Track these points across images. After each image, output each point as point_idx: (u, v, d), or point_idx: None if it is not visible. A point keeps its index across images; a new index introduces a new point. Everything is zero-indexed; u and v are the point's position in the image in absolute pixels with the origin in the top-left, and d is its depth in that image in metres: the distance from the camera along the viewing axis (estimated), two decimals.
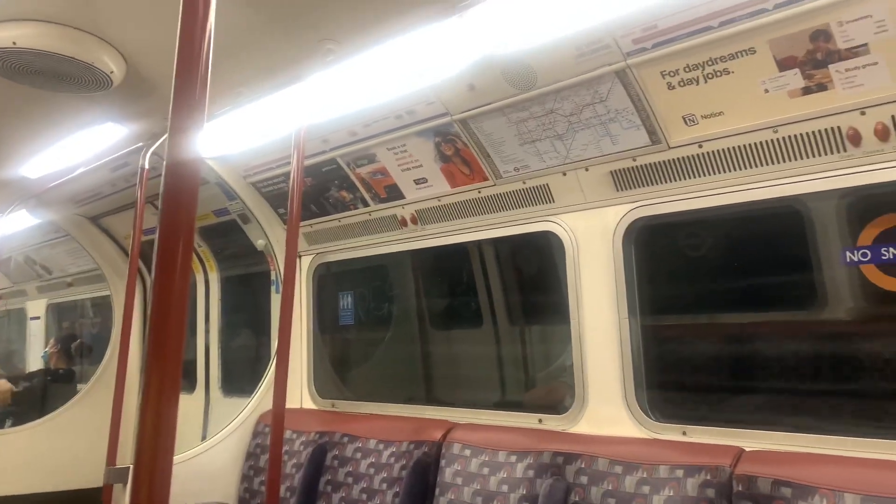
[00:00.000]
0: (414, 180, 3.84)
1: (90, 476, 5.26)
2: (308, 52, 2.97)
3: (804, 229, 3.10)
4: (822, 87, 2.42)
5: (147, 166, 3.90)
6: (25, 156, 4.67)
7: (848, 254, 2.85)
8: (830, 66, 2.36)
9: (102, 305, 7.54)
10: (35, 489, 5.44)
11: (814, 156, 2.57)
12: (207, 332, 5.99)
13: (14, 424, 5.92)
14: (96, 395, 5.85)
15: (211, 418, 5.82)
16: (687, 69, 2.62)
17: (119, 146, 4.32)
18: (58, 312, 8.49)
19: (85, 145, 4.35)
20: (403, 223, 4.09)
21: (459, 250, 4.81)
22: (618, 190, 3.16)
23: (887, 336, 3.13)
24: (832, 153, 2.52)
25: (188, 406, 5.82)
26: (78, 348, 7.13)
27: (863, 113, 2.39)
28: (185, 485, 4.11)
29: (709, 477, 2.61)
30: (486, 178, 3.54)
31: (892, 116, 2.34)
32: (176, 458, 1.22)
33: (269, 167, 4.43)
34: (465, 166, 3.57)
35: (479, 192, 3.63)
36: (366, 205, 4.20)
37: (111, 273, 6.49)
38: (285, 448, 4.12)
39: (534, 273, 4.83)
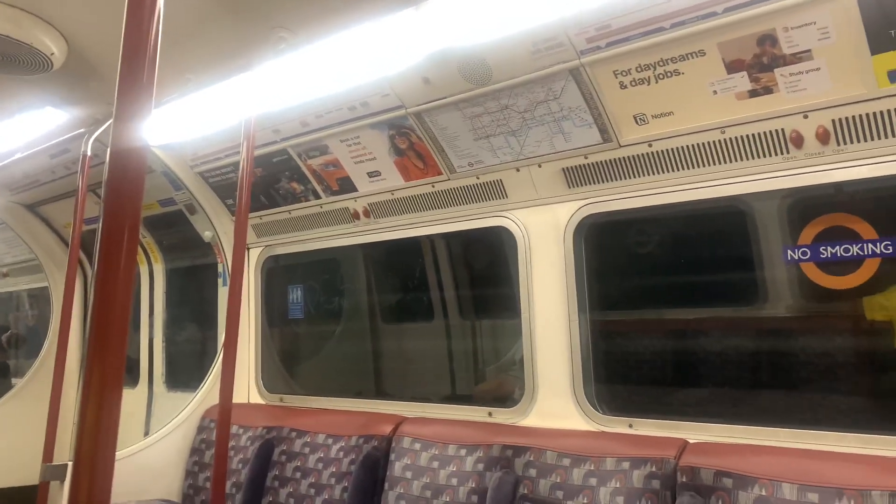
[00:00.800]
0: (367, 173, 3.81)
1: (25, 473, 5.06)
2: (259, 40, 2.91)
3: (748, 228, 3.20)
4: (767, 91, 2.49)
5: (90, 153, 3.77)
6: None
7: (789, 252, 2.95)
8: (776, 70, 2.43)
9: (39, 297, 7.27)
10: None
11: (759, 157, 2.64)
12: (151, 325, 5.84)
13: None
14: (32, 389, 5.64)
15: (154, 413, 5.67)
16: (639, 69, 2.66)
17: (59, 132, 4.17)
18: None
19: (23, 130, 4.17)
20: (356, 216, 4.06)
21: (412, 244, 4.80)
22: (569, 187, 3.19)
23: (824, 332, 3.26)
24: (776, 154, 2.60)
25: (130, 401, 5.66)
26: (10, 339, 6.86)
27: (805, 116, 2.47)
28: (128, 481, 4.00)
29: (654, 469, 2.67)
30: (440, 173, 3.54)
31: (833, 121, 2.43)
32: (118, 454, 1.18)
33: (218, 157, 4.33)
34: (419, 160, 3.55)
35: (433, 186, 3.62)
36: (317, 197, 4.15)
37: (49, 263, 6.26)
38: (231, 443, 4.05)
39: (485, 268, 4.86)
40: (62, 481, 3.56)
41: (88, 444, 1.11)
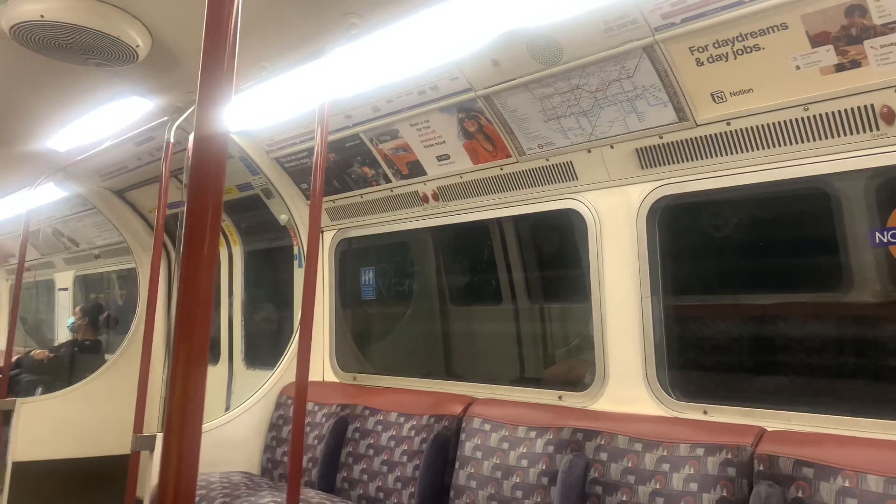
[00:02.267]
0: (436, 157, 3.83)
1: (117, 443, 5.40)
2: (332, 27, 2.96)
3: (832, 210, 3.05)
4: (855, 64, 2.36)
5: (172, 140, 3.93)
6: (53, 129, 4.73)
7: (877, 235, 2.81)
8: (865, 42, 2.30)
9: (128, 278, 7.66)
10: (65, 455, 5.59)
11: (845, 134, 2.52)
12: (231, 305, 6.07)
13: (44, 392, 6.08)
14: (122, 365, 5.98)
15: (234, 390, 5.91)
16: (716, 45, 2.57)
17: (144, 120, 4.36)
18: (85, 284, 8.64)
19: (111, 119, 4.39)
20: (425, 199, 4.09)
21: (480, 227, 4.80)
22: (643, 168, 3.12)
23: None
24: (864, 132, 2.47)
25: (212, 378, 5.91)
26: (105, 321, 7.27)
27: None
28: (210, 453, 4.20)
29: (729, 456, 2.61)
30: (509, 155, 3.52)
31: None
32: (203, 427, 1.25)
33: (293, 142, 4.44)
34: (488, 143, 3.55)
35: (502, 169, 3.61)
36: (388, 181, 4.20)
37: (136, 246, 6.59)
38: (307, 420, 4.19)
39: (554, 251, 4.81)
40: (151, 451, 3.76)
41: (177, 416, 1.17)
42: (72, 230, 7.81)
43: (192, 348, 1.20)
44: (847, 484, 2.29)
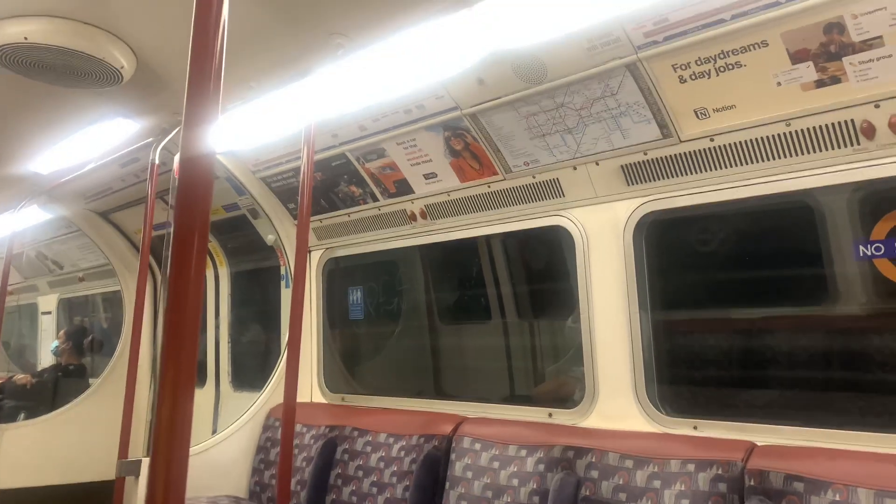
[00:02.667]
0: (423, 175, 3.84)
1: (101, 469, 5.31)
2: (318, 47, 2.97)
3: (816, 224, 3.08)
4: (835, 80, 2.40)
5: (157, 161, 3.91)
6: (36, 151, 4.69)
7: (861, 248, 2.84)
8: (844, 59, 2.34)
9: (113, 300, 7.58)
10: (48, 482, 5.49)
11: (827, 149, 2.55)
12: (217, 326, 6.02)
13: (27, 418, 5.98)
14: (107, 389, 5.90)
15: (221, 412, 5.84)
16: (699, 62, 2.60)
17: (129, 142, 4.34)
18: (69, 307, 8.54)
19: (95, 141, 4.37)
20: (413, 218, 4.09)
21: (468, 245, 4.80)
22: (628, 184, 3.15)
23: None
24: (846, 146, 2.50)
25: (199, 400, 5.84)
26: (90, 344, 7.19)
27: (877, 106, 2.37)
28: (197, 478, 4.13)
29: (720, 471, 2.61)
30: (495, 173, 3.54)
31: None
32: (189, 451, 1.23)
33: (279, 162, 4.44)
34: (475, 161, 3.56)
35: (489, 186, 3.62)
36: (375, 199, 4.20)
37: (122, 268, 6.53)
38: (296, 442, 4.14)
39: (543, 268, 4.82)
40: (136, 476, 3.70)
41: (165, 440, 1.16)
42: (56, 253, 7.74)
43: (180, 371, 1.19)
44: (838, 497, 2.29)
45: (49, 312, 8.66)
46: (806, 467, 2.42)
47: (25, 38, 2.95)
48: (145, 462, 3.62)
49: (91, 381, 6.50)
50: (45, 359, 8.28)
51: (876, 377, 3.19)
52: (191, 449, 1.20)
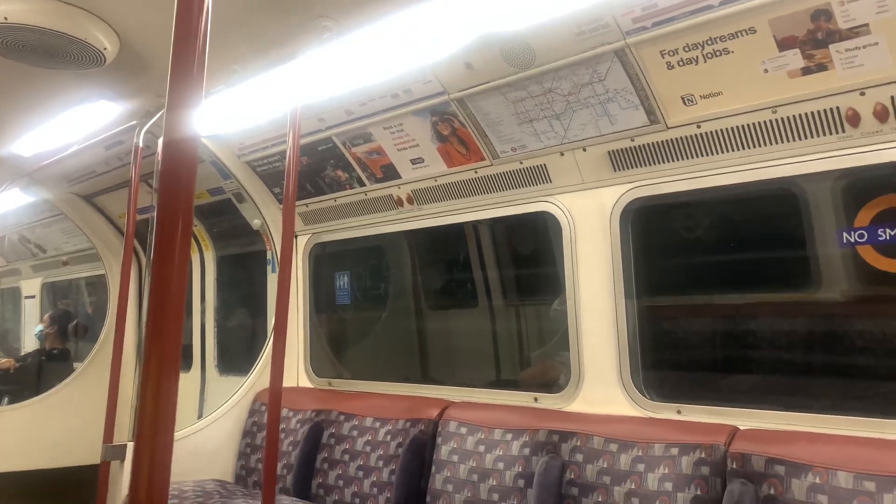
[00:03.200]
0: (410, 160, 3.82)
1: (87, 453, 5.28)
2: (304, 29, 2.94)
3: (801, 210, 3.10)
4: (821, 68, 2.41)
5: (141, 144, 3.87)
6: (18, 133, 4.62)
7: (844, 235, 2.86)
8: (831, 46, 2.35)
9: (97, 284, 7.53)
10: (32, 466, 5.47)
11: (812, 136, 2.56)
12: (203, 311, 5.99)
13: (11, 402, 5.94)
14: (92, 373, 5.86)
15: (207, 397, 5.83)
16: (686, 48, 2.60)
17: (113, 124, 4.29)
18: (53, 291, 8.47)
19: (78, 123, 4.31)
20: (399, 203, 4.08)
21: (455, 230, 4.80)
22: (615, 170, 3.15)
23: (881, 317, 3.15)
24: (831, 134, 2.52)
25: (184, 384, 5.78)
26: (74, 329, 7.14)
27: (862, 94, 2.38)
28: (182, 462, 4.13)
29: (703, 455, 2.64)
30: (482, 158, 3.53)
31: (892, 97, 2.34)
32: (174, 436, 1.23)
33: (265, 146, 4.40)
34: (462, 146, 3.55)
35: (476, 172, 3.61)
36: (362, 184, 4.18)
37: (106, 252, 6.47)
38: (282, 426, 4.15)
39: (529, 253, 4.83)
40: (122, 461, 3.69)
41: (148, 425, 1.15)
42: (39, 236, 7.65)
43: (164, 355, 1.18)
44: (818, 480, 2.32)
45: (33, 296, 8.58)
46: (787, 451, 2.45)
47: (6, 19, 2.90)
48: (130, 446, 3.62)
49: (75, 365, 6.47)
50: (29, 343, 8.22)
51: (857, 363, 3.24)
52: (176, 433, 1.20)
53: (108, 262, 6.46)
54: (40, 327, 6.92)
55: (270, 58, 3.16)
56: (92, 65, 3.33)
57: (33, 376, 6.48)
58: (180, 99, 1.23)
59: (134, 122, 4.01)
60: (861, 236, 2.76)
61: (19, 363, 6.71)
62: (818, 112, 2.50)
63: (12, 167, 5.36)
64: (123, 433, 4.65)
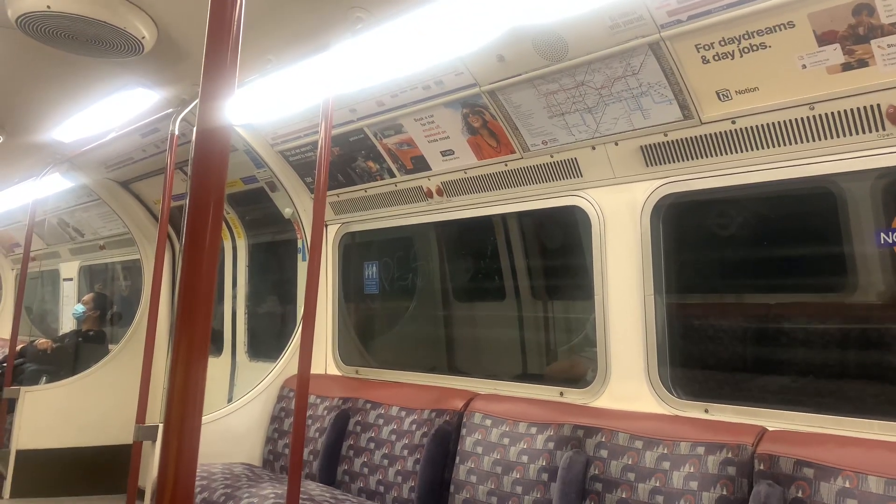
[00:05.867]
0: (440, 152, 3.83)
1: (120, 433, 5.42)
2: (337, 20, 2.96)
3: (837, 210, 3.04)
4: (862, 64, 2.35)
5: (177, 132, 3.93)
6: (58, 119, 4.74)
7: (882, 235, 2.80)
8: (872, 42, 2.29)
9: (133, 268, 7.69)
10: (68, 444, 5.63)
11: (851, 134, 2.50)
12: (234, 297, 6.08)
13: (48, 382, 6.11)
14: (126, 355, 6.00)
15: (237, 381, 5.93)
16: (722, 43, 2.56)
17: (150, 112, 4.37)
18: (90, 274, 8.67)
19: (116, 110, 4.40)
20: (429, 195, 4.09)
21: (484, 223, 4.80)
22: (647, 165, 3.12)
23: None
24: (870, 132, 2.46)
25: (215, 369, 5.93)
26: (114, 316, 7.32)
27: None
28: (212, 445, 4.21)
29: (730, 455, 2.61)
30: (513, 151, 3.52)
31: None
32: (204, 419, 1.25)
33: (297, 136, 4.45)
34: (493, 139, 3.54)
35: (506, 164, 3.60)
36: (392, 175, 4.20)
37: (141, 237, 6.61)
38: (309, 412, 4.20)
39: (558, 247, 4.81)
40: (154, 441, 3.78)
41: (177, 408, 1.18)
42: (77, 220, 7.84)
43: (194, 340, 1.20)
44: (847, 485, 2.28)
45: (71, 279, 8.79)
46: (816, 453, 2.41)
47: (48, 7, 2.97)
48: (161, 427, 3.70)
49: (110, 347, 6.62)
50: (67, 324, 8.43)
51: (890, 366, 3.17)
52: (206, 417, 1.23)
53: (144, 247, 6.60)
54: (80, 308, 7.08)
55: (303, 48, 3.19)
56: (130, 53, 3.39)
57: (70, 357, 6.65)
58: (214, 88, 1.24)
59: (170, 111, 4.08)
60: None
61: (57, 344, 6.88)
62: (857, 109, 2.45)
63: (53, 152, 5.50)
64: (155, 414, 4.76)
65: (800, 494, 2.38)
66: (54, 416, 5.61)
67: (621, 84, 2.91)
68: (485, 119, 3.47)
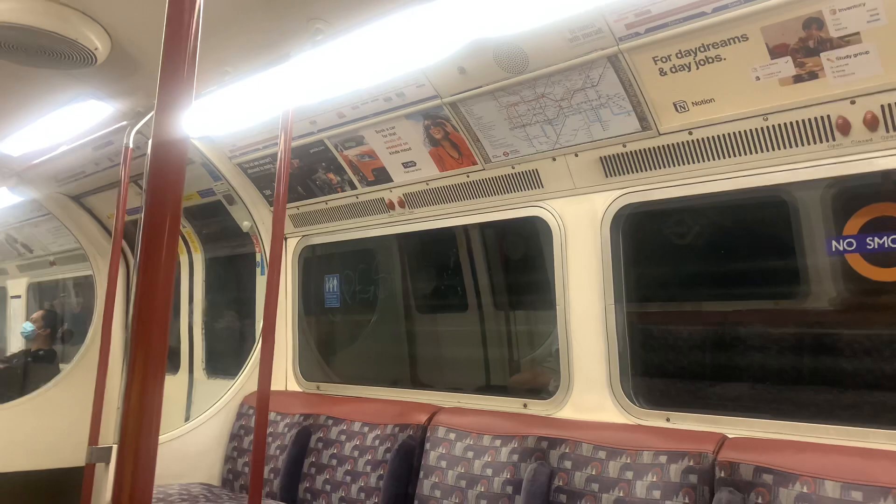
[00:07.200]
0: (402, 163, 3.81)
1: (72, 455, 5.23)
2: (296, 31, 2.93)
3: (790, 218, 3.12)
4: (813, 76, 2.42)
5: (131, 145, 3.84)
6: (7, 132, 4.59)
7: (833, 243, 2.87)
8: (822, 55, 2.36)
9: (84, 285, 7.47)
10: (17, 468, 5.41)
11: (803, 144, 2.57)
12: (191, 313, 5.95)
13: None
14: (78, 374, 5.81)
15: (194, 399, 5.79)
16: (679, 55, 2.61)
17: (103, 124, 4.26)
18: (39, 292, 8.40)
19: (68, 123, 4.28)
20: (391, 206, 4.07)
21: (446, 235, 4.80)
22: (607, 176, 3.15)
23: (869, 325, 3.17)
24: (821, 142, 2.53)
25: (171, 387, 5.78)
26: (64, 334, 7.09)
27: (853, 102, 2.40)
28: (168, 465, 4.10)
29: (691, 463, 2.64)
30: (474, 163, 3.53)
31: (882, 106, 2.35)
32: (160, 439, 1.21)
33: (256, 148, 4.38)
34: (454, 150, 3.55)
35: (468, 176, 3.61)
36: (353, 187, 4.17)
37: (94, 253, 6.43)
38: (269, 430, 4.12)
39: (520, 258, 4.84)
40: (107, 463, 3.66)
41: (133, 428, 1.13)
42: (26, 236, 7.59)
43: (150, 358, 1.16)
44: (805, 489, 2.32)
45: (18, 296, 8.51)
46: (775, 459, 2.45)
47: None
48: (115, 449, 3.58)
49: (61, 366, 6.41)
50: (15, 344, 8.14)
51: (845, 371, 3.25)
52: (163, 436, 1.18)
53: (96, 263, 6.41)
54: (29, 326, 6.84)
55: (262, 59, 3.15)
56: (83, 65, 3.30)
57: (18, 378, 6.42)
58: (170, 100, 1.21)
59: (124, 123, 3.99)
60: (850, 244, 2.77)
61: (4, 364, 6.63)
62: (809, 120, 2.51)
63: (1, 166, 5.32)
64: (109, 435, 4.61)
65: (760, 501, 2.41)
66: (1, 439, 5.39)
67: (581, 96, 2.94)
68: (446, 131, 3.47)
